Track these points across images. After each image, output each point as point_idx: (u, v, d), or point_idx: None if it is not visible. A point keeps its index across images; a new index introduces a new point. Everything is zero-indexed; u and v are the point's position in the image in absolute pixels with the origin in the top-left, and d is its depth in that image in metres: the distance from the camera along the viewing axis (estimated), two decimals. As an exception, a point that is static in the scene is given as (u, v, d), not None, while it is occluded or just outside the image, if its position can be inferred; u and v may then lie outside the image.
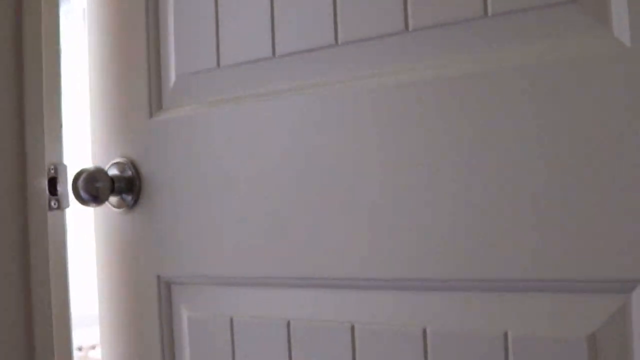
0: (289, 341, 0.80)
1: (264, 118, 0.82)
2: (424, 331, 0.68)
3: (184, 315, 0.92)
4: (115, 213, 0.98)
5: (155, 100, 0.94)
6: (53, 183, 0.91)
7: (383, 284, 0.73)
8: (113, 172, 0.97)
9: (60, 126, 0.93)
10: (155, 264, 0.94)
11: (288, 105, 0.80)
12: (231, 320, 0.86)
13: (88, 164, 1.00)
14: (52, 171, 0.91)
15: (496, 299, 0.66)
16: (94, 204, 0.96)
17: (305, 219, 0.77)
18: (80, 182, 0.94)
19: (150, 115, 0.94)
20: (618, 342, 0.58)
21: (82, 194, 0.94)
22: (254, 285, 0.85)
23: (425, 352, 0.68)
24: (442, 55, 0.69)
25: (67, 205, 0.93)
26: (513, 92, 0.64)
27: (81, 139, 1.12)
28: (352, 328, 0.74)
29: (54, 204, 0.92)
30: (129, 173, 0.96)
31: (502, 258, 0.64)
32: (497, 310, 0.65)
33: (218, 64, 0.86)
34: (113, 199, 0.98)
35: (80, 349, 3.50)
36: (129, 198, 0.96)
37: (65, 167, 0.93)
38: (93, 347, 3.47)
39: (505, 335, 0.64)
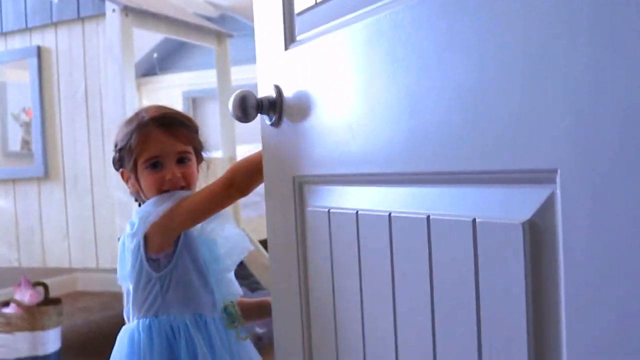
0: (357, 227, 1.01)
1: (358, 37, 0.98)
2: (428, 218, 0.84)
3: (307, 208, 1.16)
4: (267, 127, 1.23)
5: (289, 35, 1.17)
6: None
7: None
8: (263, 95, 1.21)
9: None
10: (291, 168, 1.19)
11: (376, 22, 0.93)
12: (328, 212, 1.09)
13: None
14: None
15: (465, 192, 0.80)
16: (245, 120, 1.19)
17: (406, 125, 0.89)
18: (233, 103, 1.18)
19: (286, 47, 1.17)
20: (550, 227, 0.66)
21: (234, 112, 1.19)
22: (348, 183, 1.07)
23: (429, 233, 0.84)
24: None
25: None
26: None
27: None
28: (390, 216, 0.92)
29: None
30: (273, 96, 1.19)
31: (468, 152, 0.77)
32: (467, 201, 0.80)
33: (316, 2, 1.08)
34: (264, 116, 1.22)
35: None
36: (274, 116, 1.20)
37: None
38: (5, 304, 3.47)
39: (474, 221, 0.76)
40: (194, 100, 5.76)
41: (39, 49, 3.52)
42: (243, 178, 1.40)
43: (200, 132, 1.57)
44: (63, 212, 3.49)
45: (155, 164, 1.47)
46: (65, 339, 3.73)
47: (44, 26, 3.53)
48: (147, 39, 5.31)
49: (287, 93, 1.17)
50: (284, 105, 1.18)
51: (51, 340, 3.54)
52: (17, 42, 3.64)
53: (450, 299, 0.80)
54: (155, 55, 5.11)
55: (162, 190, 1.47)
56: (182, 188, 1.47)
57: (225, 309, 1.48)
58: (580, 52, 0.61)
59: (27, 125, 5.25)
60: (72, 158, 3.45)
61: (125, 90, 3.25)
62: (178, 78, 5.79)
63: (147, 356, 1.41)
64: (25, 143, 5.34)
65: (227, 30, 4.25)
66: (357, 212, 1.00)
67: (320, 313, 1.14)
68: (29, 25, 3.56)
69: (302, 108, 1.12)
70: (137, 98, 3.73)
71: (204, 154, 1.58)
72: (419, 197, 0.88)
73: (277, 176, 1.24)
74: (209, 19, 4.75)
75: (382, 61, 0.92)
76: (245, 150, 4.61)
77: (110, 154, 3.20)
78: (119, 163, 1.54)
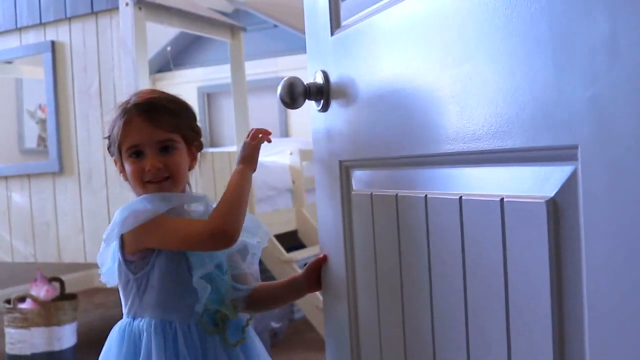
0: (397, 209, 1.05)
1: (401, 21, 0.99)
2: (460, 198, 0.87)
3: (352, 192, 1.20)
4: (315, 112, 1.26)
5: (334, 21, 1.19)
6: None
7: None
8: (311, 81, 1.22)
9: None
10: (338, 152, 1.22)
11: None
12: (371, 195, 1.13)
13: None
14: None
15: (494, 171, 0.83)
16: (294, 107, 1.21)
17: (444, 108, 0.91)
18: (281, 89, 1.19)
19: (332, 33, 1.20)
20: (572, 205, 0.67)
21: (283, 98, 1.20)
22: (389, 166, 1.10)
23: (461, 213, 0.87)
24: None
25: None
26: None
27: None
28: (426, 197, 0.96)
29: None
30: (321, 82, 1.21)
31: (496, 130, 0.79)
32: (495, 180, 0.82)
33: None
34: (312, 102, 1.24)
35: (9, 301, 3.50)
36: (321, 101, 1.22)
37: None
38: (22, 300, 3.47)
39: (502, 200, 0.78)
40: (209, 96, 5.74)
41: (53, 44, 3.52)
42: (234, 228, 1.30)
43: (196, 118, 1.48)
44: (78, 207, 3.48)
45: (137, 153, 1.37)
46: (81, 335, 3.73)
47: (57, 21, 3.52)
48: (161, 36, 5.30)
49: (334, 78, 1.19)
50: (331, 90, 1.20)
51: (67, 335, 3.54)
52: (31, 38, 3.64)
53: (480, 275, 0.84)
54: (168, 48, 5.10)
55: (144, 181, 1.37)
56: (166, 179, 1.37)
57: (215, 313, 1.37)
58: (599, 20, 0.61)
59: (42, 122, 5.26)
60: (87, 153, 3.45)
61: (139, 83, 3.23)
62: (192, 74, 5.79)
63: (113, 358, 1.37)
64: (42, 140, 5.35)
65: (242, 25, 4.23)
66: (396, 194, 1.05)
67: (365, 292, 1.20)
68: (43, 21, 3.55)
69: (348, 92, 1.15)
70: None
71: (202, 142, 1.48)
72: (451, 178, 0.92)
73: (325, 161, 1.28)
74: (223, 14, 4.72)
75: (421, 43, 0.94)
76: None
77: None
78: (110, 150, 1.45)
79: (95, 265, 5.26)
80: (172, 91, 1.52)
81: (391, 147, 1.05)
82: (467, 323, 0.87)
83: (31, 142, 5.42)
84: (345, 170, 1.21)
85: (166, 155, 1.37)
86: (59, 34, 3.52)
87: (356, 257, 1.21)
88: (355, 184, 1.20)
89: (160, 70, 5.89)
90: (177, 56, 5.72)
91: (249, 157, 1.37)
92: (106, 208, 3.39)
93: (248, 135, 1.40)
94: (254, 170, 1.37)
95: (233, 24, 4.07)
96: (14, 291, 4.07)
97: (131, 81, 3.25)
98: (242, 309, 1.43)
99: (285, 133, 5.28)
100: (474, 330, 0.86)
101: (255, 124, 4.33)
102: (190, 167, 1.46)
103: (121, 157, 1.41)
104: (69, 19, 3.48)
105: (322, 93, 1.21)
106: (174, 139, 1.39)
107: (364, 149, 1.14)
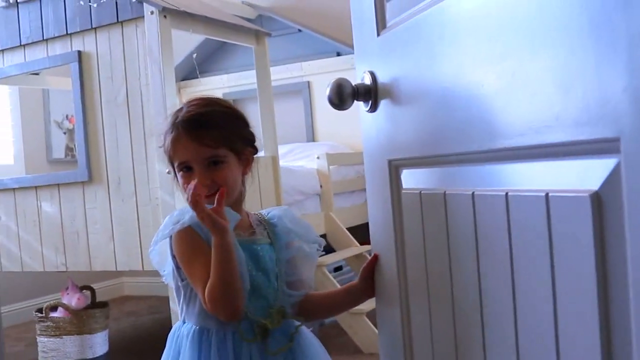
0: (445, 206, 1.06)
1: (443, 19, 1.00)
2: (507, 194, 0.87)
3: (402, 190, 1.22)
4: (364, 113, 1.28)
5: (380, 21, 1.21)
6: None
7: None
8: (359, 82, 1.23)
9: None
10: (387, 151, 1.24)
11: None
12: (420, 194, 1.15)
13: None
14: None
15: (538, 166, 0.82)
16: (342, 108, 1.21)
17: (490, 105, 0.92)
18: (330, 91, 1.20)
19: (378, 34, 1.21)
20: (616, 198, 0.67)
21: (332, 99, 1.21)
22: (436, 164, 1.10)
23: (507, 209, 0.87)
24: None
25: None
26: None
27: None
28: (473, 195, 0.97)
29: None
30: (368, 82, 1.22)
31: (538, 125, 0.79)
32: (541, 175, 0.82)
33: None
34: (360, 103, 1.25)
35: (41, 310, 3.52)
36: (369, 102, 1.23)
37: None
38: (53, 308, 3.49)
39: (547, 195, 0.78)
40: (235, 102, 5.74)
41: (79, 54, 3.54)
42: (228, 310, 1.33)
43: (248, 125, 1.50)
44: (108, 215, 3.50)
45: (187, 168, 1.40)
46: (112, 343, 3.74)
47: (83, 31, 3.54)
48: (186, 43, 5.32)
49: (382, 78, 1.20)
50: (379, 90, 1.21)
51: (99, 343, 3.55)
52: (58, 48, 3.66)
53: (527, 270, 0.84)
54: (194, 55, 5.12)
55: None
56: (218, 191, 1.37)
57: (254, 322, 1.38)
58: (638, 12, 0.61)
59: (70, 132, 5.30)
60: (115, 161, 3.46)
61: (166, 90, 3.24)
62: (218, 80, 5.80)
63: (164, 358, 1.45)
64: (69, 150, 5.39)
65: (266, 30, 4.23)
66: (444, 192, 1.06)
67: (417, 293, 1.21)
68: (69, 31, 3.58)
69: (395, 92, 1.17)
70: (179, 100, 3.70)
71: (256, 146, 1.50)
72: (497, 174, 0.93)
73: (374, 160, 1.30)
74: (247, 20, 4.73)
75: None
76: (283, 150, 4.59)
77: (152, 155, 3.14)
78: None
79: (125, 273, 5.32)
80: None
81: (438, 145, 1.06)
82: (515, 320, 0.88)
83: (59, 153, 5.46)
84: (394, 169, 1.23)
85: (214, 170, 1.39)
86: (85, 44, 3.55)
87: (407, 257, 1.23)
88: (404, 183, 1.21)
89: (186, 78, 5.91)
90: (202, 63, 5.74)
91: (203, 222, 1.33)
92: (136, 215, 3.40)
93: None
94: (222, 233, 1.31)
95: (258, 30, 4.07)
96: (45, 300, 4.10)
97: (158, 89, 3.26)
98: (291, 315, 1.43)
99: (311, 137, 5.28)
100: (522, 326, 0.87)
101: (281, 128, 4.32)
102: (244, 173, 1.47)
103: (174, 168, 1.44)
104: (95, 29, 3.51)
105: (370, 94, 1.23)
106: (220, 154, 1.39)
107: (412, 147, 1.15)
